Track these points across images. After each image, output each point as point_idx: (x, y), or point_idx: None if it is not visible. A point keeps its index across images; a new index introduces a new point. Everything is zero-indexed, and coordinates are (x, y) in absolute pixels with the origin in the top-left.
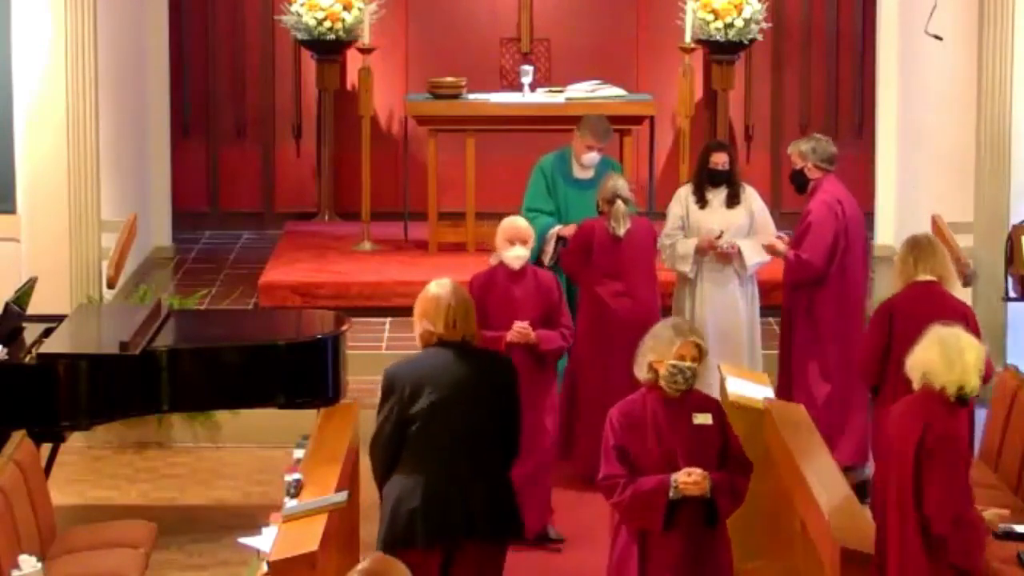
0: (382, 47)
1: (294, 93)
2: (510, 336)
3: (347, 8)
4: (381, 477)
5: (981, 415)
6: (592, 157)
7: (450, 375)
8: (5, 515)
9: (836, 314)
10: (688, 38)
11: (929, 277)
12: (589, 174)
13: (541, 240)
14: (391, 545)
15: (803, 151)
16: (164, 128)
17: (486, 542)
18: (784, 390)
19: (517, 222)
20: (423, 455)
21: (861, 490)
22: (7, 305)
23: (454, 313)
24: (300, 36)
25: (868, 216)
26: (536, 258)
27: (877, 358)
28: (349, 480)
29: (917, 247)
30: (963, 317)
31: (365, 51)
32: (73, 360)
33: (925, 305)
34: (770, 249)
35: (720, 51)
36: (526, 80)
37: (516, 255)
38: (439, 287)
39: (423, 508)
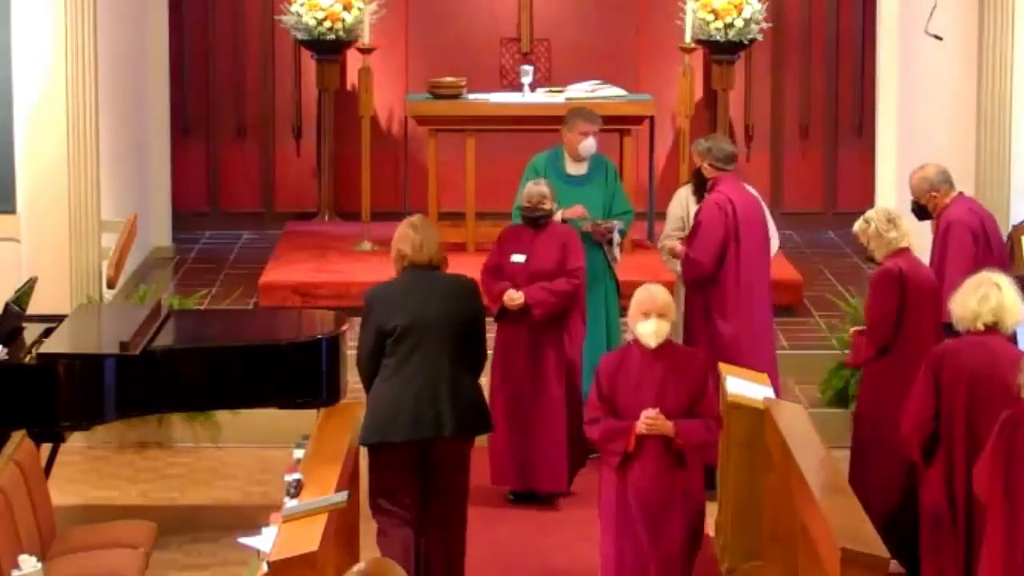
0: (382, 47)
1: (294, 93)
2: (639, 427)
3: (347, 8)
4: (367, 385)
5: None
6: (590, 144)
7: (421, 292)
8: (5, 515)
9: (731, 312)
10: (688, 38)
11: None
12: (583, 170)
13: None
14: (373, 441)
15: (700, 151)
16: (164, 128)
17: (457, 438)
18: None
19: (653, 291)
20: (400, 363)
21: None
22: (7, 305)
23: (421, 238)
24: (300, 36)
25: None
26: None
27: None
28: (349, 480)
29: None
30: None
31: (365, 51)
32: (73, 360)
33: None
34: (671, 251)
35: (720, 51)
36: (526, 80)
37: (653, 331)
38: (408, 220)
39: (401, 408)
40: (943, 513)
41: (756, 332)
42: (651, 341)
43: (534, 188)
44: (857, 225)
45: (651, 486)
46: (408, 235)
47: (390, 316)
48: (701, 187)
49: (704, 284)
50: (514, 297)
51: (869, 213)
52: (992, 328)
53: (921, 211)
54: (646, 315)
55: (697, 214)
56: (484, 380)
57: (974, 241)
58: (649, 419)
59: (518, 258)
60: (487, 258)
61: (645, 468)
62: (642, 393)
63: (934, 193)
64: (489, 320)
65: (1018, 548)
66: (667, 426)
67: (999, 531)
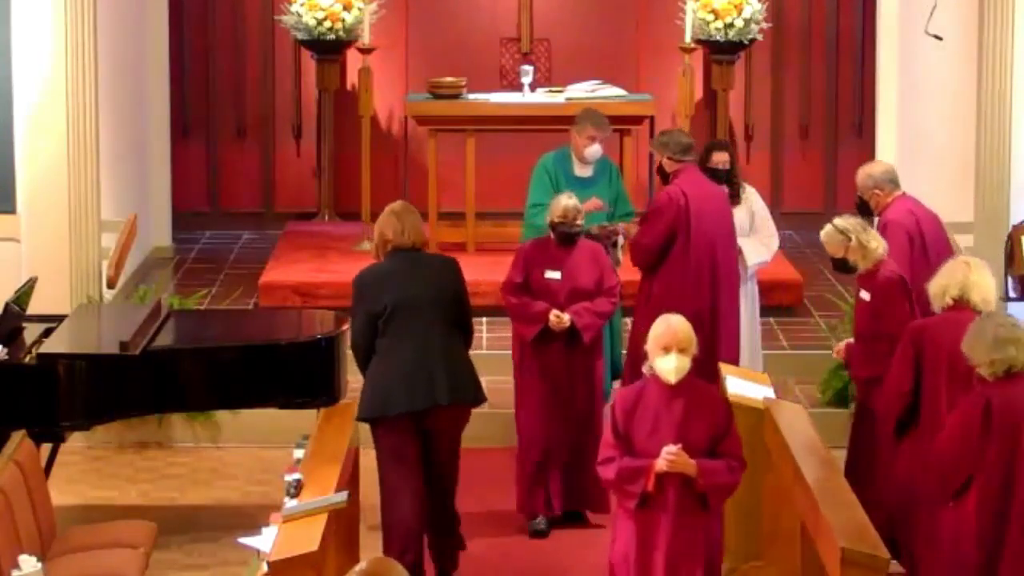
0: (382, 47)
1: (294, 93)
2: (659, 465)
3: (347, 8)
4: (363, 366)
5: None
6: (596, 149)
7: (407, 273)
8: (5, 515)
9: (674, 302)
10: (688, 38)
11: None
12: (589, 172)
13: None
14: (370, 416)
15: (658, 146)
16: (164, 128)
17: (451, 407)
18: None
19: (673, 323)
20: (393, 341)
21: None
22: (7, 305)
23: (402, 223)
24: (300, 36)
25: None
26: None
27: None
28: (349, 480)
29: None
30: None
31: (365, 51)
32: (73, 360)
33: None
34: (625, 232)
35: (720, 51)
36: (526, 80)
37: (674, 367)
38: (390, 208)
39: (397, 384)
40: (914, 485)
41: (703, 323)
42: (671, 378)
43: (568, 202)
44: (830, 237)
45: (673, 531)
46: (391, 222)
47: (379, 298)
48: (664, 180)
49: (650, 270)
50: (563, 319)
51: (840, 224)
52: (959, 302)
53: (863, 207)
54: (666, 350)
55: (651, 201)
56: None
57: (909, 242)
58: (671, 455)
59: (553, 275)
60: (508, 276)
61: (665, 510)
62: (661, 431)
63: (877, 191)
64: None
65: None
66: (689, 464)
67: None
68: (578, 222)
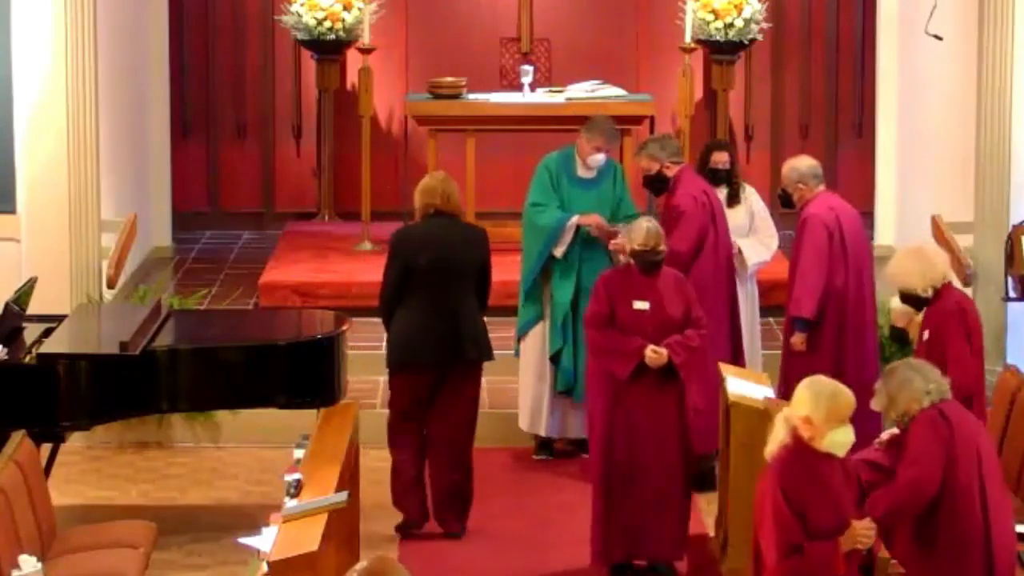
0: (382, 47)
1: (294, 93)
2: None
3: (347, 8)
4: (387, 318)
5: None
6: (599, 159)
7: (444, 237)
8: (5, 515)
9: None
10: (688, 38)
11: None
12: (592, 174)
13: (558, 231)
14: (396, 366)
15: (653, 153)
16: (164, 128)
17: (471, 362)
18: None
19: (846, 392)
20: (421, 297)
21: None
22: (7, 305)
23: (447, 190)
24: (300, 36)
25: (868, 216)
26: (548, 251)
27: None
28: (349, 480)
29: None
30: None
31: (365, 51)
32: (73, 360)
33: None
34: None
35: (720, 51)
36: (526, 80)
37: (852, 440)
38: (432, 175)
39: (420, 337)
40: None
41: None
42: (843, 452)
43: (648, 226)
44: (898, 307)
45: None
46: (436, 188)
47: (417, 254)
48: (660, 190)
49: (684, 271)
50: (661, 354)
51: (900, 308)
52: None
53: (786, 199)
54: (843, 421)
55: (675, 208)
56: (496, 398)
57: (828, 237)
58: (650, 356)
59: (641, 305)
60: (591, 309)
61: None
62: (844, 506)
63: (800, 185)
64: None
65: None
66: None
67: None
68: (661, 248)
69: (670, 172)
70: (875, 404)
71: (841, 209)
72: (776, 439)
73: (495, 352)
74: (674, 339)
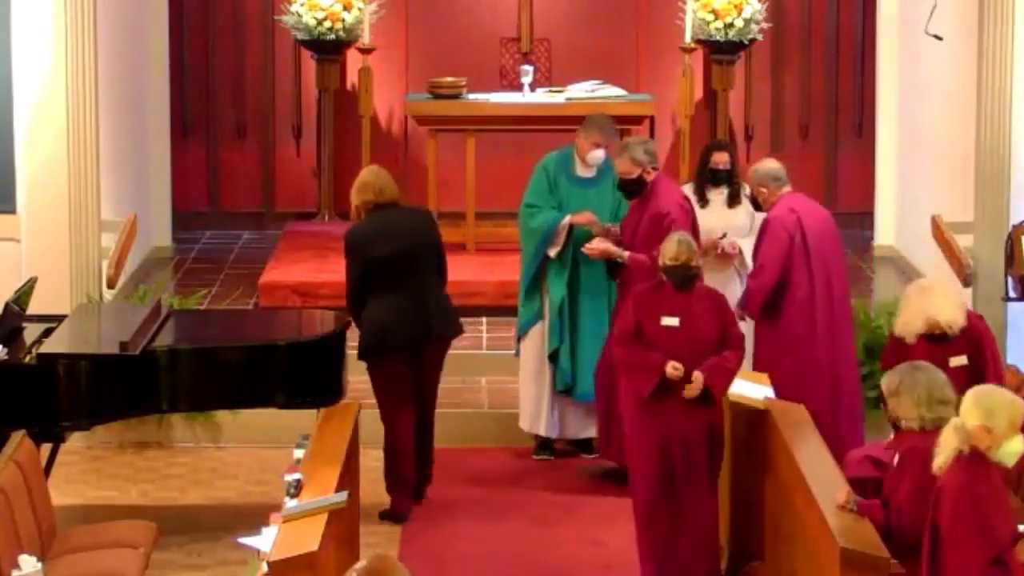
0: (382, 47)
1: (294, 93)
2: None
3: (347, 8)
4: (356, 312)
5: None
6: (598, 155)
7: (394, 227)
8: (5, 515)
9: None
10: (688, 38)
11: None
12: (591, 172)
13: (551, 233)
14: (374, 355)
15: (637, 157)
16: (164, 128)
17: (440, 339)
18: None
19: (1017, 407)
20: (385, 288)
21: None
22: (7, 305)
23: (381, 184)
24: (300, 36)
25: (868, 216)
26: (543, 252)
27: None
28: (349, 480)
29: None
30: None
31: (365, 51)
32: (73, 360)
33: None
34: (605, 253)
35: (720, 51)
36: (526, 80)
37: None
38: (366, 169)
39: (392, 325)
40: None
41: None
42: (1014, 462)
43: (681, 239)
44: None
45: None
46: (369, 182)
47: (373, 249)
48: (636, 192)
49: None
50: (680, 370)
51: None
52: (931, 331)
53: (756, 204)
54: (1017, 430)
55: (664, 216)
56: (496, 398)
57: (789, 240)
58: (671, 375)
59: (670, 321)
60: (618, 326)
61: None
62: (1012, 515)
63: (762, 188)
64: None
65: None
66: None
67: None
68: (694, 263)
69: (649, 177)
70: (884, 383)
71: (805, 211)
72: (948, 449)
73: (495, 352)
74: (711, 363)
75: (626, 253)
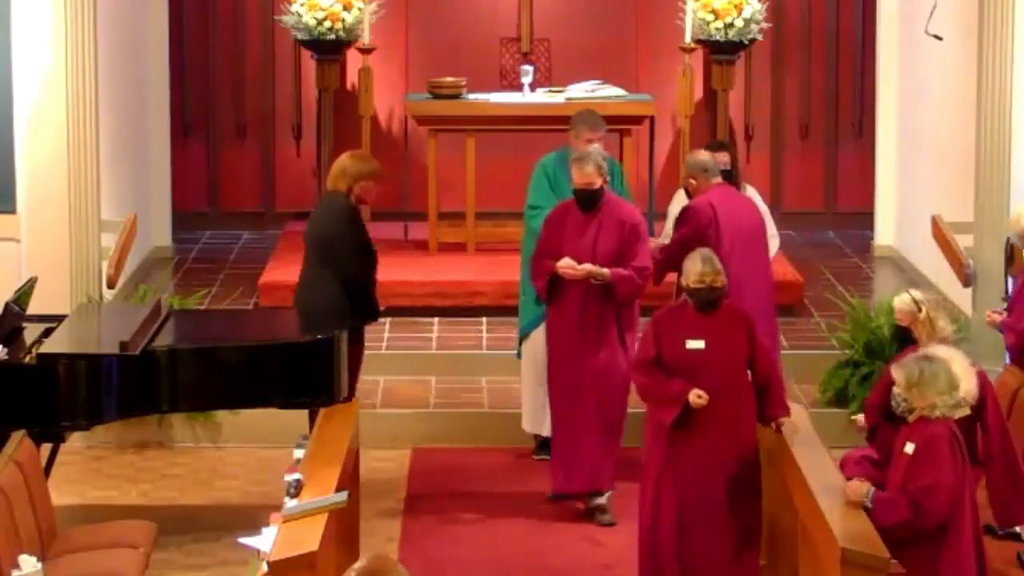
0: (382, 47)
1: (294, 93)
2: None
3: (347, 8)
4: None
5: None
6: (594, 150)
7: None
8: (5, 515)
9: None
10: (688, 38)
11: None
12: None
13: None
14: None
15: (601, 166)
16: (164, 128)
17: (354, 328)
18: None
19: None
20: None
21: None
22: (7, 305)
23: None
24: (300, 36)
25: (868, 216)
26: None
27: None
28: (349, 480)
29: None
30: None
31: (365, 51)
32: (73, 360)
33: None
34: (588, 273)
35: (720, 51)
36: (526, 80)
37: None
38: (350, 152)
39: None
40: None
41: None
42: None
43: (707, 258)
44: (903, 304)
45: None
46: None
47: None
48: (593, 203)
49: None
50: (703, 396)
51: (916, 294)
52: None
53: (689, 194)
54: None
55: (636, 223)
56: (496, 398)
57: (705, 227)
58: (696, 402)
59: (696, 344)
60: (639, 351)
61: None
62: None
63: (691, 179)
64: None
65: None
66: None
67: None
68: (719, 284)
69: (600, 184)
70: (895, 372)
71: (723, 205)
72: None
73: (494, 352)
74: (775, 394)
75: (606, 270)
